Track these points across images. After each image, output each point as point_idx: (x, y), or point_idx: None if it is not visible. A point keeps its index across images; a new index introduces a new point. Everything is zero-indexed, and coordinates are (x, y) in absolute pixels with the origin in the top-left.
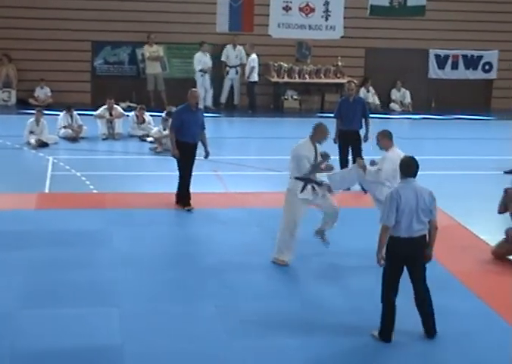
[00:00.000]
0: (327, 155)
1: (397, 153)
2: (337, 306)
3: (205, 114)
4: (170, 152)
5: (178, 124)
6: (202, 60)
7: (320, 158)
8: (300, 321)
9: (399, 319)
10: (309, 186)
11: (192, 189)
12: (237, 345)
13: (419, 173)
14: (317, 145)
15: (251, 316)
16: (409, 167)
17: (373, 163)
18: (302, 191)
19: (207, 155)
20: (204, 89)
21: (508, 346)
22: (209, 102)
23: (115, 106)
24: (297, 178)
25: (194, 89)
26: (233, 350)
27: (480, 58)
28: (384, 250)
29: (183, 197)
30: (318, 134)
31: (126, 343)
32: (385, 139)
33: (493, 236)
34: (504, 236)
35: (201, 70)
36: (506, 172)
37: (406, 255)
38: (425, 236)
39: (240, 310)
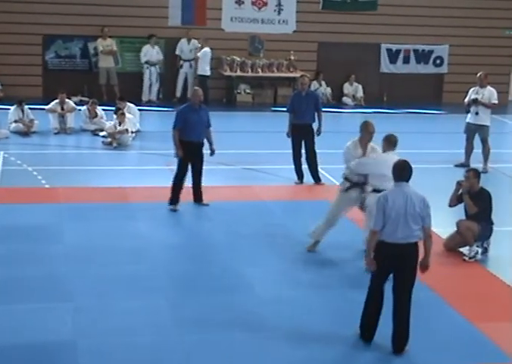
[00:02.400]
0: None
1: (387, 157)
2: (293, 301)
3: (152, 109)
4: (175, 152)
5: (181, 124)
6: (148, 52)
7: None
8: (252, 316)
9: None
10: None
11: (144, 184)
12: (188, 339)
13: None
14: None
15: (204, 310)
16: (402, 171)
17: None
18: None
19: (212, 152)
20: (149, 82)
21: (458, 333)
22: (153, 96)
23: (67, 100)
24: (346, 178)
25: (196, 88)
26: (184, 344)
27: (431, 52)
28: (372, 255)
29: (194, 195)
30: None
31: (79, 338)
32: (384, 143)
33: (444, 229)
34: (455, 229)
35: (146, 63)
36: (456, 165)
37: (390, 261)
38: (414, 244)
39: (192, 304)
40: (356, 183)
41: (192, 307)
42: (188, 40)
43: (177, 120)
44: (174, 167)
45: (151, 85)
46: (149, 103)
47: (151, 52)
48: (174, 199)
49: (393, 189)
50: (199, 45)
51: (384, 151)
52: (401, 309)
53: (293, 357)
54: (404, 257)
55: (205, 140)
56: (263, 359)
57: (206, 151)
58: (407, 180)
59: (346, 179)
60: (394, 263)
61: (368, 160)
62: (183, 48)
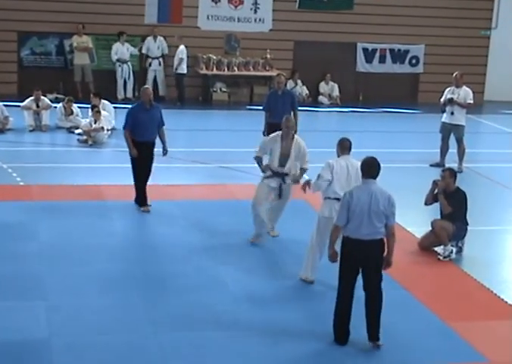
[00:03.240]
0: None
1: (343, 163)
2: (267, 299)
3: (127, 106)
4: (129, 152)
5: (132, 124)
6: (119, 50)
7: None
8: (226, 314)
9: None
10: None
11: (118, 182)
12: (163, 337)
13: None
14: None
15: (178, 308)
16: (370, 168)
17: None
18: None
19: (165, 152)
20: (123, 80)
21: (431, 332)
22: (130, 93)
23: (42, 97)
24: (268, 166)
25: (146, 87)
26: (159, 342)
27: (407, 52)
28: (334, 247)
29: (139, 197)
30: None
31: (53, 337)
32: (339, 147)
33: (419, 228)
34: (430, 228)
35: (118, 60)
36: (432, 165)
37: (356, 256)
38: (378, 241)
39: (167, 302)
40: (276, 172)
41: (167, 306)
42: (155, 38)
43: (127, 120)
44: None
45: (125, 82)
46: (126, 100)
47: (122, 50)
48: (141, 200)
49: (359, 185)
50: (166, 43)
51: (338, 155)
52: (372, 303)
53: (267, 355)
54: (369, 253)
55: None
56: (238, 357)
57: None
58: (375, 177)
59: (268, 166)
60: (360, 259)
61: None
62: (150, 46)
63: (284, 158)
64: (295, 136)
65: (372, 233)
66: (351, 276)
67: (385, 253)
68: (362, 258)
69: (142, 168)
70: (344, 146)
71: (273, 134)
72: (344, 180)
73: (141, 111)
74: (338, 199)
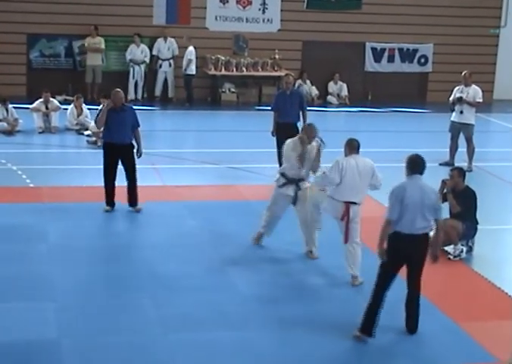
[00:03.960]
0: None
1: (353, 161)
2: (276, 299)
3: (137, 107)
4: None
5: (104, 123)
6: (132, 51)
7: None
8: (236, 314)
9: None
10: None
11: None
12: (171, 338)
13: None
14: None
15: (186, 309)
16: (416, 165)
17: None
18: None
19: (139, 154)
20: (135, 81)
21: (442, 332)
22: (139, 95)
23: (51, 99)
24: (282, 174)
25: (117, 90)
26: (168, 343)
27: (416, 51)
28: (385, 244)
29: (128, 198)
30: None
31: (62, 337)
32: (347, 148)
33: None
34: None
35: (131, 61)
36: (441, 164)
37: (406, 252)
38: (427, 234)
39: (175, 303)
40: (291, 179)
41: (175, 306)
42: (165, 39)
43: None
44: (158, 166)
45: (136, 84)
46: (134, 102)
47: (135, 51)
48: (108, 201)
49: (407, 181)
50: (176, 45)
51: (346, 155)
52: (415, 294)
53: (277, 355)
54: (419, 247)
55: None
56: (248, 357)
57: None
58: (421, 173)
59: (282, 175)
60: (409, 254)
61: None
62: (160, 47)
63: (301, 163)
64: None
65: (425, 227)
66: (394, 271)
67: (432, 247)
68: (412, 252)
69: (124, 170)
70: (352, 146)
71: (291, 142)
72: (353, 180)
73: (112, 114)
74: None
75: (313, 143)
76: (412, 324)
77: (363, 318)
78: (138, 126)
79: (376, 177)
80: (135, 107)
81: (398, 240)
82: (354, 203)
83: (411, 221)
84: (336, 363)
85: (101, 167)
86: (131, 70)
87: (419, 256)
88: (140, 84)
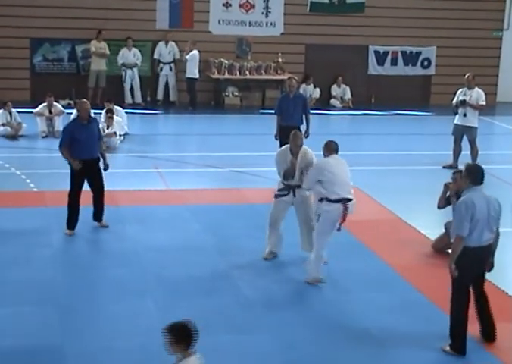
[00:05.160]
0: None
1: (334, 161)
2: (281, 303)
3: (136, 111)
4: (70, 166)
5: (67, 142)
6: (124, 55)
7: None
8: (242, 318)
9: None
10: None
11: (132, 187)
12: None
13: (360, 168)
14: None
15: (191, 313)
16: (478, 175)
17: None
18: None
19: (106, 167)
20: (129, 85)
21: (444, 334)
22: (138, 99)
23: (55, 103)
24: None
25: (83, 100)
26: None
27: (419, 54)
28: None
29: (94, 213)
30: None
31: (66, 342)
32: (325, 149)
33: (433, 231)
34: (443, 230)
35: (123, 65)
36: (444, 167)
37: (477, 264)
38: (491, 244)
39: (180, 307)
40: (288, 185)
41: (180, 310)
42: (166, 43)
43: (63, 137)
44: (162, 170)
45: (132, 88)
46: (134, 106)
47: (127, 55)
48: (71, 222)
49: (473, 193)
50: (177, 49)
51: (325, 156)
52: (487, 303)
53: (282, 358)
54: (486, 257)
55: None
56: (252, 361)
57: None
58: (482, 182)
59: (282, 181)
60: (479, 265)
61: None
62: (161, 51)
63: (292, 171)
64: (303, 146)
65: (490, 238)
66: (470, 283)
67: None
68: (481, 264)
69: (90, 186)
70: (331, 148)
71: (281, 151)
72: (341, 178)
73: (78, 128)
74: (339, 201)
75: (306, 151)
76: (489, 330)
77: (454, 338)
78: (102, 138)
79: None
80: (133, 111)
81: (470, 255)
82: (350, 200)
83: (479, 235)
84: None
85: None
86: (123, 74)
87: (484, 267)
88: (135, 88)
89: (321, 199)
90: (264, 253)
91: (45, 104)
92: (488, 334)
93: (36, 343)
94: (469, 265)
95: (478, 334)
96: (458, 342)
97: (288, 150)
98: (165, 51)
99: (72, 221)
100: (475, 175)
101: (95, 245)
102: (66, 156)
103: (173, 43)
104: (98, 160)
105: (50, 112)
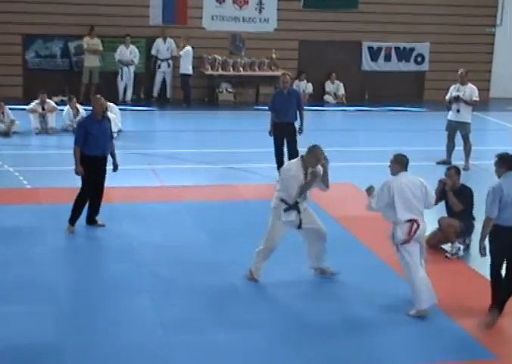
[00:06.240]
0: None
1: (400, 181)
2: (278, 299)
3: (130, 108)
4: (75, 169)
5: (82, 137)
6: (121, 52)
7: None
8: (237, 316)
9: None
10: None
11: (126, 184)
12: (173, 340)
13: (353, 164)
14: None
15: (187, 310)
16: (510, 162)
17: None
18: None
19: (115, 167)
20: (124, 83)
21: (440, 330)
22: (128, 97)
23: (47, 100)
24: (282, 200)
25: (98, 96)
26: (169, 344)
27: (412, 50)
28: (486, 241)
29: (89, 215)
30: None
31: (63, 340)
32: (397, 166)
33: (427, 226)
34: (436, 226)
35: (119, 62)
36: (438, 163)
37: (509, 242)
38: None
39: (176, 304)
40: (293, 204)
41: (176, 307)
42: (164, 39)
43: (79, 134)
44: (156, 167)
45: (126, 85)
46: (123, 103)
47: (124, 52)
48: (74, 218)
49: (502, 179)
50: (175, 45)
51: (394, 174)
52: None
53: (279, 356)
54: None
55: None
56: (249, 358)
57: (117, 165)
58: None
59: (282, 201)
60: (510, 244)
61: (393, 183)
62: (159, 47)
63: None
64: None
65: None
66: (503, 261)
67: None
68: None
69: (94, 185)
70: (402, 163)
71: (294, 166)
72: (409, 200)
73: (92, 124)
74: (408, 221)
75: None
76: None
77: (496, 303)
78: (113, 137)
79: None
80: (129, 108)
81: (501, 233)
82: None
83: (509, 215)
84: (336, 361)
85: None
86: (119, 71)
87: None
88: (129, 85)
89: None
90: (253, 273)
91: (37, 101)
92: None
93: (33, 341)
94: (502, 243)
95: (472, 328)
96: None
97: (301, 165)
98: (163, 47)
99: (76, 217)
100: (506, 163)
101: (90, 242)
102: (75, 157)
103: (171, 40)
104: (107, 159)
105: (43, 109)
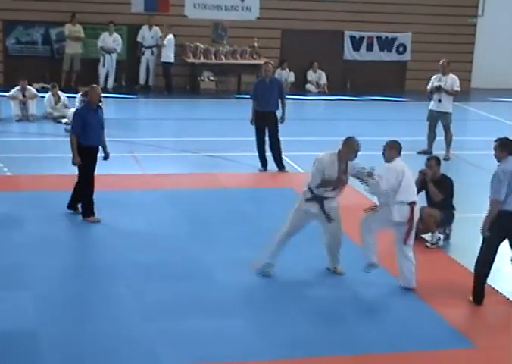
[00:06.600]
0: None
1: (399, 165)
2: (254, 287)
3: (111, 95)
4: (72, 161)
5: (80, 126)
6: (104, 39)
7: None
8: (214, 302)
9: None
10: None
11: (108, 171)
12: (151, 326)
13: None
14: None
15: (165, 297)
16: (510, 146)
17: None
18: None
19: (106, 156)
20: (106, 70)
21: (420, 319)
22: (110, 84)
23: (28, 87)
24: (309, 189)
25: (95, 85)
26: (147, 331)
27: (394, 39)
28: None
29: (72, 201)
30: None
31: (40, 327)
32: (392, 151)
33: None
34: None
35: (102, 49)
36: (419, 152)
37: (509, 226)
38: None
39: (154, 291)
40: (319, 197)
41: (154, 294)
42: (150, 27)
43: (76, 122)
44: (138, 155)
45: (108, 72)
46: (105, 90)
47: (107, 39)
48: (91, 209)
49: (505, 162)
50: (160, 33)
51: (388, 160)
52: None
53: (256, 342)
54: None
55: None
56: (225, 344)
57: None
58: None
59: (309, 189)
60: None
61: (397, 167)
62: (145, 35)
63: (338, 181)
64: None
65: None
66: (498, 244)
67: None
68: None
69: (87, 175)
70: (396, 148)
71: (328, 157)
72: (409, 184)
73: (89, 113)
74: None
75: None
76: None
77: (475, 290)
78: (103, 128)
79: None
80: (105, 95)
81: (505, 217)
82: (414, 203)
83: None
84: (314, 345)
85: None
86: (101, 58)
87: None
88: (111, 73)
89: None
90: (261, 265)
91: (18, 87)
92: None
93: (11, 327)
94: (503, 228)
95: (451, 317)
96: (478, 294)
97: (336, 157)
98: (148, 35)
99: (91, 206)
100: (508, 147)
101: (70, 229)
102: (73, 146)
103: (157, 28)
104: (99, 148)
105: (24, 96)
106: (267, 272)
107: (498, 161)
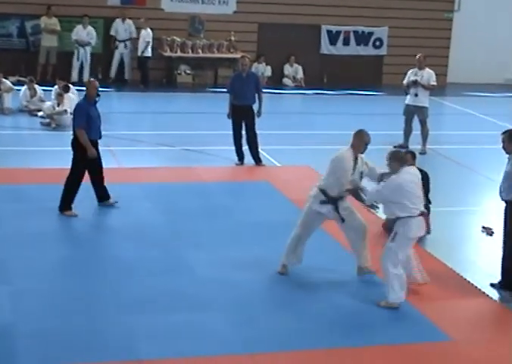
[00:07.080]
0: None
1: (408, 175)
2: (233, 281)
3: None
4: (88, 154)
5: (84, 120)
6: (78, 32)
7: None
8: (192, 297)
9: None
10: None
11: None
12: (129, 320)
13: (312, 147)
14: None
15: (143, 292)
16: None
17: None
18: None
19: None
20: (80, 63)
21: (396, 313)
22: (85, 77)
23: (3, 80)
24: (322, 190)
25: (92, 79)
26: (125, 325)
27: (371, 34)
28: None
29: (102, 193)
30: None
31: (18, 322)
32: (395, 163)
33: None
34: None
35: (76, 42)
36: (395, 147)
37: None
38: None
39: (132, 286)
40: (332, 198)
41: (132, 289)
42: (123, 20)
43: (81, 116)
44: (114, 148)
45: (81, 66)
46: (80, 84)
47: (81, 33)
48: (69, 202)
49: None
50: (134, 27)
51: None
52: None
53: (234, 338)
54: None
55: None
56: (204, 337)
57: None
58: None
59: (322, 191)
60: None
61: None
62: (118, 28)
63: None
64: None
65: None
66: None
67: None
68: None
69: (93, 168)
70: (399, 159)
71: (347, 155)
72: (416, 194)
73: (90, 107)
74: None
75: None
76: None
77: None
78: None
79: None
80: (80, 88)
81: None
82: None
83: None
84: (290, 339)
85: (56, 148)
86: (75, 51)
87: None
88: (86, 66)
89: None
90: (279, 267)
91: None
92: None
93: None
94: None
95: (427, 311)
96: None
97: (351, 153)
98: (122, 28)
99: (71, 200)
100: None
101: (46, 224)
102: (84, 141)
103: (130, 21)
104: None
105: None
106: (282, 272)
107: (507, 153)
